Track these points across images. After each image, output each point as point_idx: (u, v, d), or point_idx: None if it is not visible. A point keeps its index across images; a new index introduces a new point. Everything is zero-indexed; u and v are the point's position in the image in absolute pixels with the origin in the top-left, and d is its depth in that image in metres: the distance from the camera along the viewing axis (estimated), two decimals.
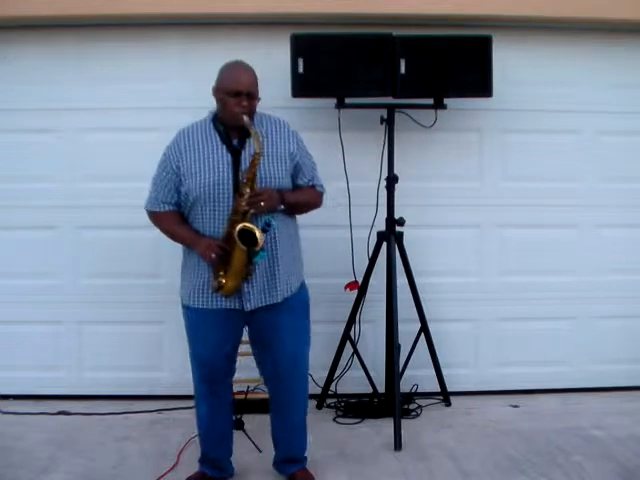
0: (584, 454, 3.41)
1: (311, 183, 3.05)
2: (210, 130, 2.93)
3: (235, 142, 2.89)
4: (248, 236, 2.75)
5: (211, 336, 2.95)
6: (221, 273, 2.83)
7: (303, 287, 3.08)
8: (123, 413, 3.92)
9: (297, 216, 3.09)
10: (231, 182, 2.84)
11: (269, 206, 2.82)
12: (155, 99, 4.02)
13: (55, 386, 4.12)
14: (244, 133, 2.86)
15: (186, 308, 3.01)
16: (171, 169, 2.92)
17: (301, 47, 3.70)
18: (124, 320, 4.09)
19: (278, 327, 2.95)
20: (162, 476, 3.17)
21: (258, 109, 2.97)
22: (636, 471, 3.24)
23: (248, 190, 2.79)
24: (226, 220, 2.83)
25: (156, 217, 3.03)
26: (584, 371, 4.27)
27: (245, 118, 2.80)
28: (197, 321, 2.98)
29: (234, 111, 2.83)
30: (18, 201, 4.05)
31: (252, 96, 2.87)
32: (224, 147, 2.89)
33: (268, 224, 2.79)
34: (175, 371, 4.13)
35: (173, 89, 4.04)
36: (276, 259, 2.90)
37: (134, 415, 3.91)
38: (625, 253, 4.25)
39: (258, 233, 2.74)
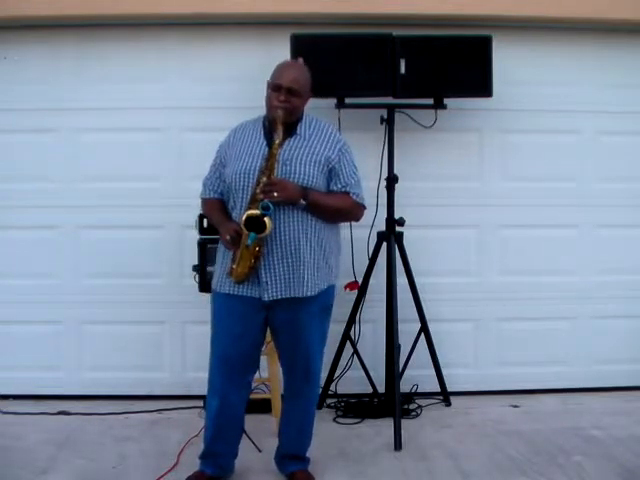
0: (584, 454, 3.41)
1: (345, 189, 3.00)
2: (259, 126, 3.02)
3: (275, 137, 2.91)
4: (258, 223, 2.77)
5: (232, 325, 2.96)
6: (235, 259, 2.87)
7: (330, 292, 3.07)
8: (123, 413, 3.92)
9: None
10: (258, 172, 2.88)
11: (284, 197, 2.83)
12: (155, 99, 4.02)
13: (55, 386, 4.12)
14: (288, 131, 2.91)
15: (214, 293, 3.05)
16: (219, 159, 3.07)
17: (301, 47, 3.70)
18: (124, 320, 4.09)
19: (294, 325, 2.97)
20: (162, 476, 3.17)
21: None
22: (636, 471, 3.24)
23: (265, 179, 2.83)
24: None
25: (203, 203, 3.16)
26: (584, 371, 4.27)
27: (279, 112, 2.85)
28: (221, 306, 3.01)
29: (271, 104, 2.91)
30: (18, 201, 4.05)
31: (293, 92, 2.90)
32: (265, 141, 2.95)
33: (265, 208, 2.77)
34: (175, 371, 4.13)
35: (173, 89, 4.05)
36: (300, 256, 2.91)
37: (134, 415, 3.91)
38: (625, 253, 4.25)
39: (266, 220, 2.76)
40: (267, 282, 2.90)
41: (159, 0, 3.82)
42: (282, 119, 2.86)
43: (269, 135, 2.94)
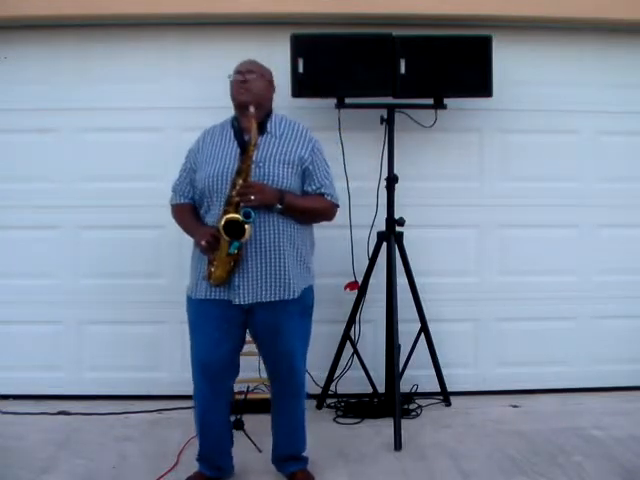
0: (584, 454, 3.41)
1: (320, 191, 3.00)
2: (228, 128, 3.02)
3: (247, 137, 2.89)
4: (237, 227, 2.76)
5: (210, 330, 2.94)
6: (213, 262, 2.85)
7: (309, 292, 3.06)
8: (123, 413, 3.92)
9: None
10: (233, 174, 2.86)
11: (261, 200, 2.81)
12: (154, 99, 4.02)
13: (55, 386, 4.12)
14: (259, 128, 2.89)
15: (188, 299, 3.03)
16: (189, 164, 3.07)
17: (301, 47, 3.70)
18: (124, 320, 4.09)
19: (275, 328, 2.95)
20: (162, 476, 3.17)
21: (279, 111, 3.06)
22: (636, 471, 3.24)
23: (241, 181, 2.81)
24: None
25: (173, 209, 3.14)
26: (584, 371, 4.27)
27: (243, 96, 2.90)
28: (197, 313, 2.99)
29: (235, 91, 2.95)
30: (18, 201, 4.05)
31: (251, 72, 2.95)
32: (235, 142, 2.94)
33: (247, 215, 2.76)
34: (175, 371, 4.12)
35: (172, 89, 4.05)
36: (280, 259, 2.90)
37: (134, 415, 3.91)
38: (625, 253, 4.25)
39: (246, 225, 2.74)
40: (239, 286, 2.88)
41: (159, 0, 3.82)
42: (249, 100, 2.87)
43: (239, 135, 2.94)
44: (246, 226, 2.75)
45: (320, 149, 3.04)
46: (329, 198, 3.03)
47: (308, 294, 3.05)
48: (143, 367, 4.13)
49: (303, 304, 3.02)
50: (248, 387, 3.78)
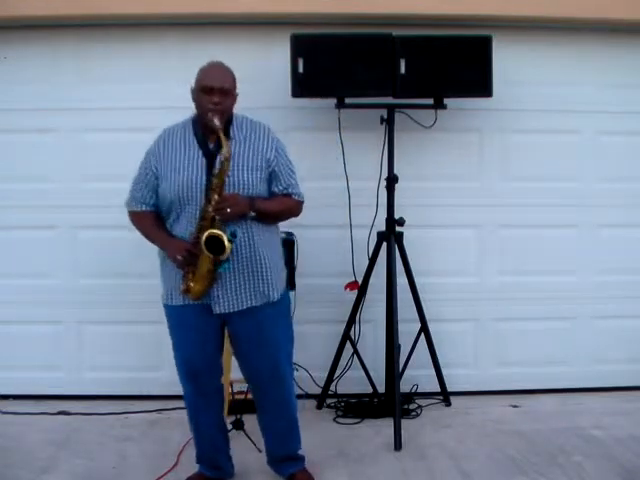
0: (584, 454, 3.41)
1: (286, 191, 2.97)
2: (189, 132, 2.93)
3: (211, 146, 2.86)
4: (216, 242, 2.73)
5: (191, 334, 2.94)
6: (190, 276, 2.82)
7: (284, 293, 3.04)
8: (123, 413, 3.92)
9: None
10: (202, 185, 2.82)
11: (236, 212, 2.78)
12: (155, 99, 4.01)
13: (55, 386, 4.12)
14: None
15: (166, 307, 3.01)
16: (150, 170, 2.94)
17: (301, 47, 3.70)
18: (124, 320, 4.09)
19: (259, 330, 2.93)
20: (162, 476, 3.17)
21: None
22: (636, 471, 3.24)
23: (216, 196, 2.76)
24: (196, 224, 2.80)
25: (134, 216, 3.03)
26: (584, 371, 4.27)
27: (215, 122, 2.75)
28: (177, 319, 2.98)
29: (205, 109, 2.80)
30: (17, 201, 4.05)
31: (225, 93, 2.82)
32: (200, 150, 2.88)
33: (234, 235, 2.75)
34: (175, 371, 4.11)
35: (173, 89, 4.02)
36: (260, 263, 2.88)
37: (134, 415, 3.91)
38: (625, 253, 4.25)
39: (226, 242, 2.71)
40: (218, 296, 2.86)
41: (158, 0, 3.82)
42: (218, 128, 2.74)
43: (203, 143, 2.87)
44: (227, 244, 2.72)
45: (283, 148, 2.99)
46: (296, 197, 3.02)
47: (285, 294, 3.05)
48: (143, 367, 4.13)
49: (283, 305, 3.02)
50: (248, 387, 3.77)
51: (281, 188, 2.97)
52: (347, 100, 3.82)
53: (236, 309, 2.88)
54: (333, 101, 3.82)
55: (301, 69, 3.68)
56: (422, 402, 4.05)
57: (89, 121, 4.02)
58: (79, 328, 4.13)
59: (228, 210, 2.74)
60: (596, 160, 4.20)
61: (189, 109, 4.01)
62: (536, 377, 4.24)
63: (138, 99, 4.02)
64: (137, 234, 4.02)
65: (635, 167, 4.22)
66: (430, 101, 3.85)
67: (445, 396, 4.09)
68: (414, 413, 3.94)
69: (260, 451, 3.36)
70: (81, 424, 3.79)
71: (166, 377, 4.14)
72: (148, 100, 4.01)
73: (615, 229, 4.24)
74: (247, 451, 3.35)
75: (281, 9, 3.83)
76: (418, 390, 4.12)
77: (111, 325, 4.10)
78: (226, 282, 2.85)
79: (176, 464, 3.28)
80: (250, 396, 3.68)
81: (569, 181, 4.21)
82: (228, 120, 2.89)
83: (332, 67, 3.71)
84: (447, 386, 4.08)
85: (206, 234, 2.74)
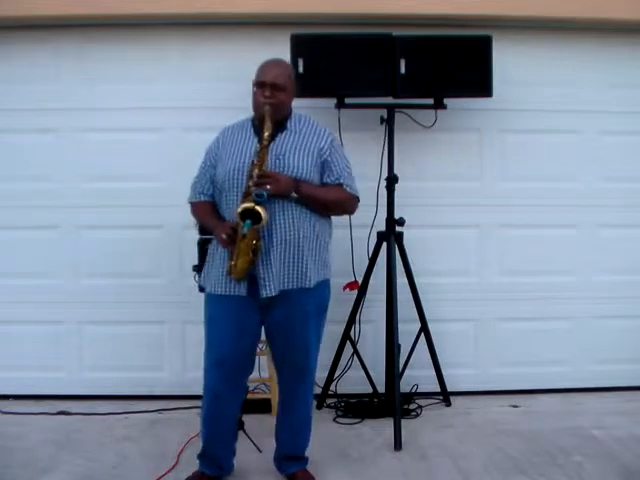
0: (584, 454, 3.41)
1: (338, 182, 3.01)
2: (248, 125, 3.04)
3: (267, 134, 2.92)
4: (253, 215, 2.75)
5: (229, 326, 2.95)
6: (234, 257, 2.85)
7: (325, 288, 3.06)
8: (123, 413, 3.92)
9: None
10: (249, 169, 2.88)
11: (277, 189, 2.82)
12: (155, 99, 4.02)
13: (55, 386, 4.12)
14: (277, 128, 2.92)
15: (207, 296, 3.04)
16: (209, 161, 3.07)
17: (301, 47, 3.70)
18: (124, 320, 4.09)
19: (292, 324, 2.96)
20: (162, 476, 3.17)
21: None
22: (636, 471, 3.24)
23: (256, 171, 2.82)
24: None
25: (193, 207, 3.14)
26: (584, 371, 4.27)
27: (266, 107, 2.87)
28: (216, 308, 2.99)
29: (257, 100, 2.93)
30: (18, 201, 4.05)
31: (277, 87, 2.92)
32: (255, 139, 2.96)
33: (259, 195, 2.76)
34: (175, 371, 4.13)
35: (173, 89, 4.05)
36: (299, 248, 2.91)
37: (134, 415, 3.91)
38: (625, 253, 4.25)
39: (256, 207, 2.74)
40: (264, 278, 2.88)
41: (159, 0, 3.82)
42: (270, 112, 2.87)
43: (259, 133, 2.93)
44: (259, 209, 2.74)
45: (339, 145, 3.10)
46: (348, 189, 3.03)
47: (324, 289, 3.05)
48: (143, 367, 4.13)
49: (320, 300, 3.03)
50: (248, 387, 3.77)
51: (333, 179, 3.00)
52: (347, 100, 3.82)
53: (282, 288, 2.90)
54: (333, 101, 3.82)
55: (301, 69, 3.68)
56: (422, 402, 4.05)
57: (89, 121, 4.03)
58: (80, 328, 4.13)
59: (268, 187, 2.78)
60: (596, 160, 4.20)
61: (189, 109, 4.06)
62: (536, 377, 4.24)
63: (138, 99, 4.02)
64: (137, 234, 4.07)
65: (635, 167, 4.22)
66: (430, 101, 3.85)
67: (445, 396, 4.09)
68: (414, 413, 3.94)
69: (260, 451, 3.36)
70: (81, 424, 3.78)
71: (166, 377, 4.16)
72: (148, 100, 4.02)
73: (615, 229, 4.24)
74: (247, 451, 3.34)
75: (281, 9, 3.83)
76: (418, 390, 4.12)
77: (112, 325, 4.10)
78: (270, 265, 2.88)
79: (176, 464, 3.28)
80: (250, 396, 3.71)
81: (569, 181, 4.21)
82: (286, 116, 2.99)
83: (332, 67, 3.71)
84: (447, 386, 4.08)
85: (240, 207, 2.77)
